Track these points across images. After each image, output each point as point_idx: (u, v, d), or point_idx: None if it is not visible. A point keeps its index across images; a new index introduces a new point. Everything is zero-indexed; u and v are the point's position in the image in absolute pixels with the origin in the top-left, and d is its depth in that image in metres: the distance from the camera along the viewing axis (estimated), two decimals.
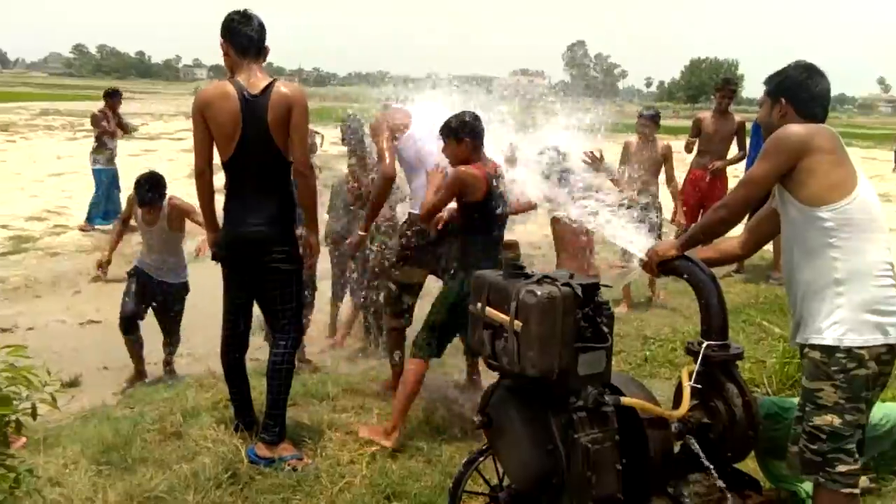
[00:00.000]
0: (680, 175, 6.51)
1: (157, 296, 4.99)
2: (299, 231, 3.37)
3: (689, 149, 7.02)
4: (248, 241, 3.20)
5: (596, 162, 4.64)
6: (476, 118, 3.57)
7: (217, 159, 3.20)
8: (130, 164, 11.60)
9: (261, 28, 3.14)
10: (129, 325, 4.82)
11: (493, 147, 3.72)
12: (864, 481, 2.96)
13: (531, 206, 3.80)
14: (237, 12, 3.14)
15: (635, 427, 2.38)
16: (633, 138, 6.08)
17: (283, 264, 3.21)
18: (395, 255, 4.14)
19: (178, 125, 27.33)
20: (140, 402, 4.43)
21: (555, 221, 4.21)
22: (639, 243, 2.86)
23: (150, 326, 5.04)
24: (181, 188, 6.38)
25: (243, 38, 3.11)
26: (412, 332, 3.82)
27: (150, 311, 5.03)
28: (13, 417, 2.18)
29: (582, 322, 2.21)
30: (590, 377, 2.26)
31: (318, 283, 5.32)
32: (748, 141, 6.78)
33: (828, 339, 2.36)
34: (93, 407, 4.28)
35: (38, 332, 5.89)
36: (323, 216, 5.24)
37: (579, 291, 2.18)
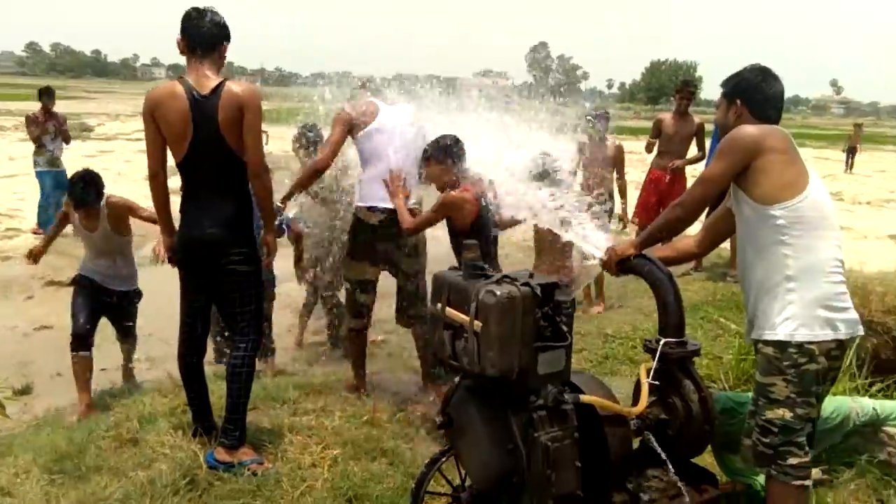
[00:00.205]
0: (641, 175, 6.62)
1: (107, 304, 4.66)
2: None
3: (649, 149, 7.13)
4: (204, 243, 3.14)
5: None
6: (456, 141, 3.65)
7: (172, 161, 3.15)
8: (86, 165, 11.28)
9: (214, 25, 3.07)
10: (81, 343, 4.47)
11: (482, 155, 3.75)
12: (816, 473, 3.04)
13: (516, 222, 3.79)
14: (195, 8, 3.09)
15: (595, 424, 2.40)
16: (586, 138, 6.21)
17: (240, 266, 3.16)
18: (346, 250, 4.13)
19: (136, 125, 26.76)
20: (95, 408, 4.34)
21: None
22: (598, 243, 2.90)
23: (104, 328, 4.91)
24: (138, 190, 6.26)
25: (193, 33, 3.06)
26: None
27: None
28: None
29: (541, 321, 2.22)
30: (549, 376, 2.27)
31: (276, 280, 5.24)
32: (708, 142, 6.90)
33: (780, 334, 2.42)
34: (46, 414, 4.18)
35: None
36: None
37: (538, 291, 2.19)
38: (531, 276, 2.27)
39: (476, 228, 3.58)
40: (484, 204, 3.59)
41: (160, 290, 4.88)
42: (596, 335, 5.24)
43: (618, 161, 6.36)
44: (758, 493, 2.83)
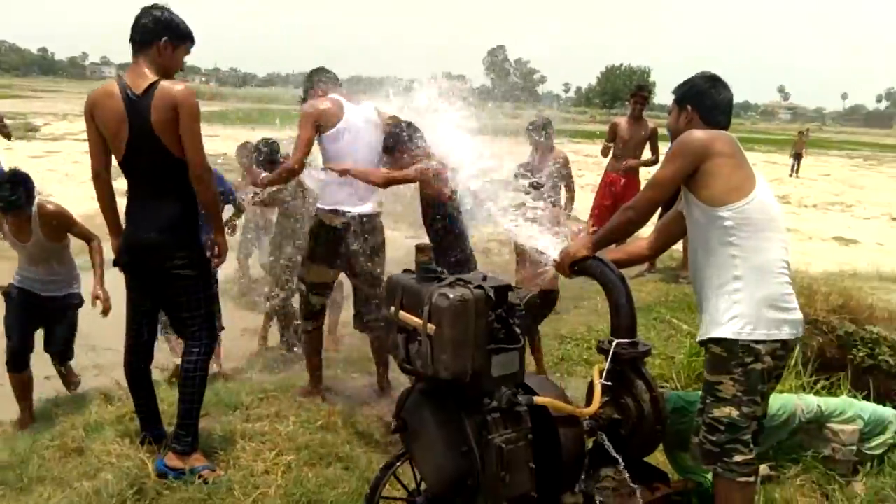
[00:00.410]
0: (596, 178, 6.67)
1: (44, 315, 4.27)
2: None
3: (605, 153, 7.22)
4: (146, 247, 3.07)
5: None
6: (409, 125, 3.71)
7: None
8: (32, 166, 10.90)
9: (151, 20, 2.96)
10: (17, 363, 4.15)
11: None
12: (764, 469, 3.12)
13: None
14: (148, 5, 3.02)
15: (548, 426, 2.42)
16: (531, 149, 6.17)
17: (184, 270, 3.07)
18: (305, 252, 4.06)
19: (84, 125, 26.09)
20: (39, 418, 4.20)
21: None
22: (551, 245, 2.92)
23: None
24: (86, 192, 6.06)
25: (132, 28, 2.99)
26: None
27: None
28: None
29: (495, 324, 2.22)
30: (503, 378, 2.27)
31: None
32: (665, 147, 6.99)
33: (727, 333, 2.47)
34: None
35: None
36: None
37: (492, 293, 2.19)
38: (484, 278, 2.28)
39: (452, 211, 3.67)
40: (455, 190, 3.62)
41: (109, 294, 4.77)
42: (552, 336, 5.27)
43: (565, 175, 6.22)
44: (708, 491, 2.88)
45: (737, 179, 2.50)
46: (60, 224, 4.10)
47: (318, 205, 3.98)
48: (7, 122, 9.03)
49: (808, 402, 3.29)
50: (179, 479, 3.01)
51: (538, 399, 2.37)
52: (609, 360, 2.57)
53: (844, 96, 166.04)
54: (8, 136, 8.96)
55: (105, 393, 4.00)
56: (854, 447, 3.26)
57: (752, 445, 2.49)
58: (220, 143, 21.74)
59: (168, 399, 3.56)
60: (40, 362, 4.42)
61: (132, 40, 2.99)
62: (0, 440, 3.60)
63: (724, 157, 2.50)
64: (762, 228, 2.50)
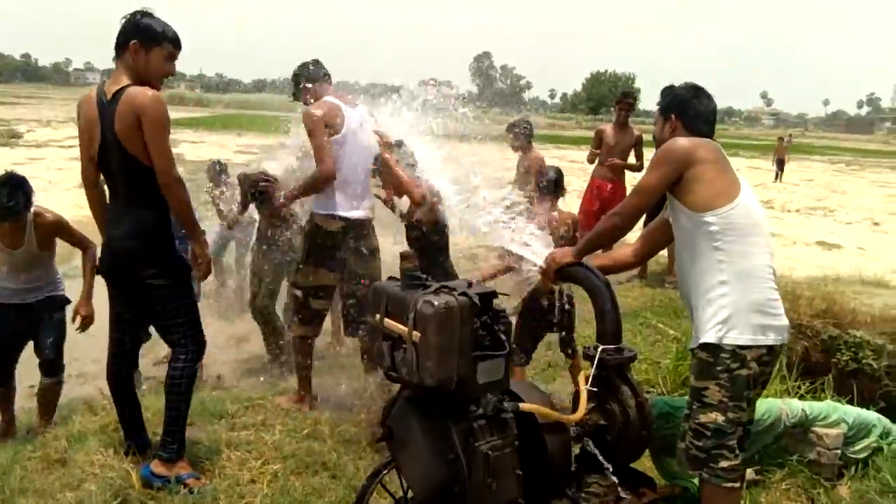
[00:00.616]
0: (582, 184, 6.70)
1: (27, 322, 4.01)
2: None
3: (591, 160, 7.26)
4: (119, 255, 3.04)
5: None
6: (399, 144, 3.79)
7: None
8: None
9: (126, 24, 2.92)
10: (2, 376, 3.99)
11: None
12: (749, 474, 3.13)
13: (507, 269, 3.78)
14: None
15: (535, 432, 2.42)
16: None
17: (156, 280, 3.02)
18: (301, 257, 4.04)
19: (68, 132, 25.85)
20: (21, 428, 4.15)
21: None
22: (536, 251, 2.93)
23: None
24: (70, 199, 6.04)
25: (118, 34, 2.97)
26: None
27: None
28: None
29: (480, 331, 2.22)
30: (489, 385, 2.27)
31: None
32: (650, 154, 7.06)
33: (713, 338, 2.48)
34: None
35: None
36: None
37: (476, 300, 2.19)
38: (469, 285, 2.27)
39: (439, 228, 3.75)
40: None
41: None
42: (540, 343, 5.27)
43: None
44: (694, 496, 2.89)
45: (721, 185, 2.52)
46: (57, 234, 3.93)
47: (314, 209, 3.95)
48: None
49: (792, 407, 3.31)
50: (166, 487, 2.98)
51: (524, 406, 2.36)
52: (595, 365, 2.57)
53: (826, 102, 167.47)
54: None
55: (88, 402, 3.95)
56: (839, 451, 3.28)
57: (737, 451, 2.50)
58: (206, 149, 21.71)
59: (153, 408, 3.53)
60: (26, 370, 4.35)
61: (114, 46, 2.98)
62: None
63: (708, 164, 2.52)
64: (747, 233, 2.52)
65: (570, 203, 6.69)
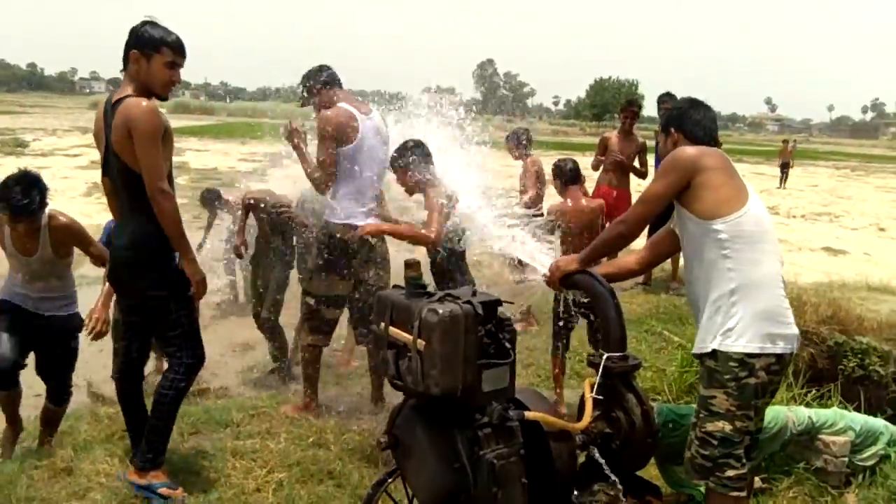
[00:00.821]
0: (587, 190, 6.71)
1: (38, 335, 3.74)
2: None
3: (596, 167, 7.28)
4: (119, 264, 3.06)
5: None
6: (419, 144, 3.81)
7: None
8: None
9: (129, 34, 2.92)
10: (7, 380, 3.66)
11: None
12: (756, 482, 3.12)
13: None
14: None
15: (540, 440, 2.41)
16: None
17: (154, 290, 3.01)
18: (314, 265, 4.05)
19: (74, 140, 26.05)
20: (27, 437, 4.15)
21: None
22: (541, 258, 2.93)
23: None
24: (76, 208, 6.06)
25: None
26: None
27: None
28: None
29: (484, 339, 2.22)
30: (494, 393, 2.27)
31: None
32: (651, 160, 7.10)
33: (720, 346, 2.46)
34: None
35: None
36: None
37: (481, 309, 2.19)
38: (474, 293, 2.28)
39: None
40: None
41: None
42: (543, 350, 5.27)
43: (537, 177, 6.45)
44: None
45: (729, 192, 2.51)
46: (73, 240, 3.68)
47: (330, 219, 3.94)
48: None
49: (798, 414, 3.30)
50: (140, 492, 2.98)
51: (529, 414, 2.36)
52: (600, 373, 2.57)
53: (831, 108, 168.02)
54: None
55: (94, 411, 3.96)
56: (846, 458, 3.27)
57: (745, 460, 2.48)
58: (211, 158, 21.80)
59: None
60: (30, 378, 4.36)
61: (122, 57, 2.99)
62: None
63: (715, 171, 2.52)
64: (756, 241, 2.50)
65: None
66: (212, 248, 7.10)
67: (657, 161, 6.88)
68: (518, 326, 6.07)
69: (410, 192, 3.96)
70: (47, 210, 3.56)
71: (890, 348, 4.36)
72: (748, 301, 2.46)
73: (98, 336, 3.55)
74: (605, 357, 2.57)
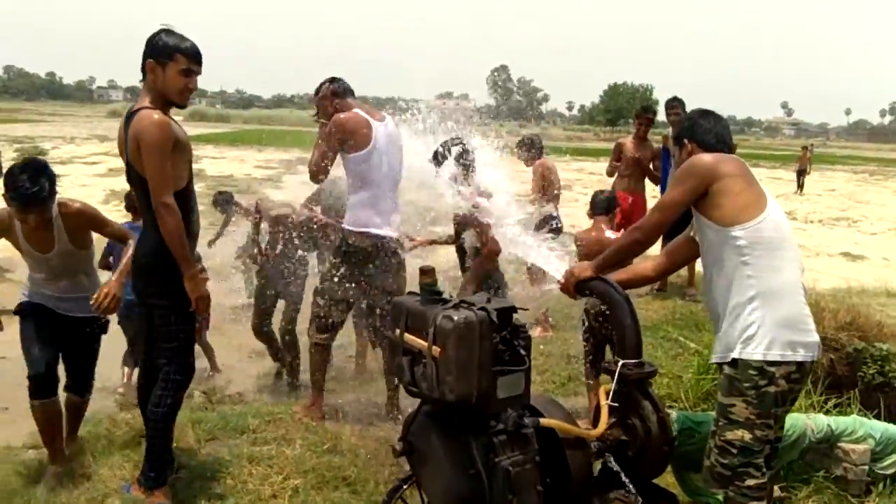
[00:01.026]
0: None
1: (64, 336, 3.52)
2: None
3: (611, 173, 7.27)
4: (135, 269, 3.10)
5: None
6: (465, 150, 3.94)
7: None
8: None
9: (145, 44, 2.94)
10: (41, 387, 3.39)
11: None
12: (775, 491, 3.08)
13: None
14: None
15: (555, 448, 2.41)
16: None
17: (156, 299, 3.03)
18: (329, 270, 4.07)
19: (92, 149, 26.35)
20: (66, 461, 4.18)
21: None
22: (555, 265, 2.92)
23: None
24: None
25: None
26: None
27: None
28: None
29: (499, 345, 2.22)
30: (509, 400, 2.27)
31: None
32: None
33: (740, 354, 2.44)
34: None
35: None
36: None
37: (495, 316, 2.19)
38: (488, 300, 2.28)
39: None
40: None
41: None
42: (559, 356, 5.26)
43: (544, 179, 6.49)
44: None
45: (748, 198, 2.50)
46: (89, 225, 3.46)
47: (347, 226, 3.96)
48: (15, 146, 9.03)
49: (818, 422, 3.27)
50: None
51: (544, 421, 2.36)
52: (615, 380, 2.56)
53: (848, 111, 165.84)
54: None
55: (112, 416, 3.99)
56: (866, 467, 3.23)
57: (764, 469, 2.46)
58: (227, 165, 21.97)
59: (179, 421, 3.55)
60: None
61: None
62: (9, 465, 3.58)
63: (733, 177, 2.50)
64: (776, 248, 2.48)
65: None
66: (222, 252, 7.09)
67: (665, 165, 6.86)
68: (533, 332, 6.09)
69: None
70: (57, 199, 3.33)
71: None
72: (768, 308, 2.43)
73: (105, 312, 3.31)
74: (620, 364, 2.56)
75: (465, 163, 3.96)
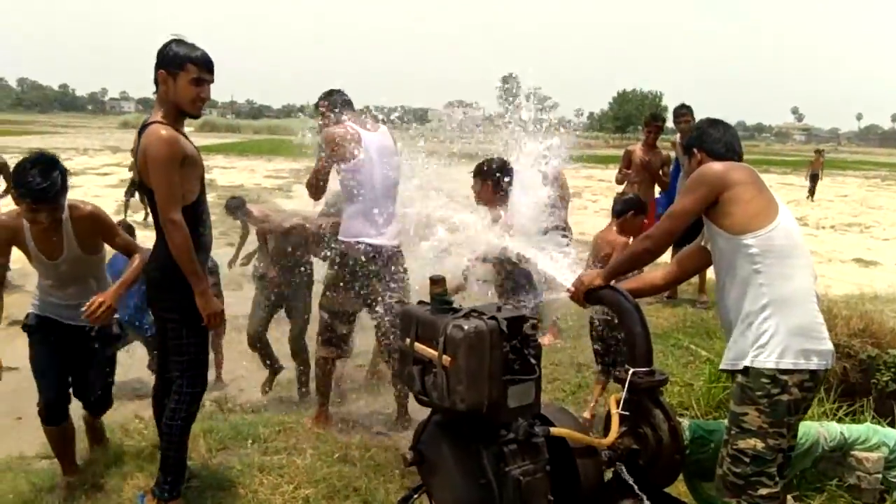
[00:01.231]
0: (610, 203, 6.71)
1: (73, 351, 3.37)
2: None
3: (620, 180, 7.27)
4: (147, 282, 3.11)
5: None
6: (504, 164, 3.93)
7: None
8: None
9: (156, 56, 2.94)
10: (55, 415, 3.31)
11: None
12: (788, 500, 3.06)
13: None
14: None
15: (566, 457, 2.40)
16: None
17: (167, 312, 3.04)
18: (328, 282, 4.09)
19: (104, 160, 26.57)
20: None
21: None
22: (565, 274, 2.92)
23: None
24: None
25: None
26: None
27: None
28: None
29: (510, 355, 2.22)
30: (520, 409, 2.26)
31: None
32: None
33: (752, 363, 2.44)
34: (8, 459, 4.05)
35: None
36: None
37: (505, 325, 2.19)
38: (499, 309, 2.28)
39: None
40: None
41: None
42: (569, 365, 5.25)
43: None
44: None
45: (759, 206, 2.49)
46: (99, 230, 3.31)
47: (341, 237, 3.98)
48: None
49: (831, 430, 3.24)
50: None
51: (555, 430, 2.35)
52: (626, 389, 2.55)
53: (859, 117, 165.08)
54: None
55: (125, 426, 4.01)
56: (879, 475, 3.20)
57: (777, 478, 2.44)
58: (237, 175, 22.09)
59: (193, 431, 3.56)
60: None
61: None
62: (21, 475, 3.60)
63: (744, 185, 2.50)
64: (788, 255, 2.48)
65: (598, 221, 6.72)
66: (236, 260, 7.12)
67: (675, 171, 6.85)
68: (544, 341, 6.07)
69: (487, 204, 3.98)
70: (67, 201, 3.19)
71: None
72: (781, 316, 2.42)
73: (95, 321, 3.14)
74: (631, 372, 2.55)
75: (504, 187, 3.94)
